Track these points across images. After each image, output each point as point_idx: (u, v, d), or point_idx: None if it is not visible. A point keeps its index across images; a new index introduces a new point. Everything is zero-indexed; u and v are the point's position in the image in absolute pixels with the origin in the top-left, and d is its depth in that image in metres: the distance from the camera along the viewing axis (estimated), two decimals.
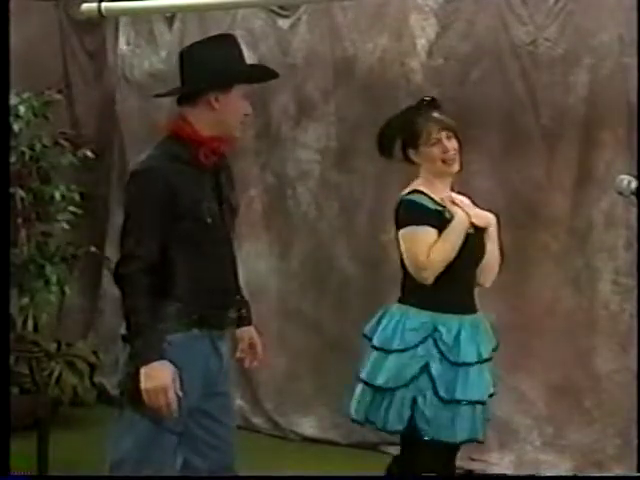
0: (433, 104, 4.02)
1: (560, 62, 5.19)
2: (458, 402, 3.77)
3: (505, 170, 5.35)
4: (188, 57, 3.50)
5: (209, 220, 3.41)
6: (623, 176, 3.72)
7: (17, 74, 4.71)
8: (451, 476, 4.12)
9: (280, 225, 6.04)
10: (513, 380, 5.30)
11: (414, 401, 3.78)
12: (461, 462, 5.15)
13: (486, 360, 3.87)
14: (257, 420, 6.03)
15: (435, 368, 3.78)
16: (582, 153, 5.19)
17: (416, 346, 3.81)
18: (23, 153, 5.72)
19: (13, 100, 5.54)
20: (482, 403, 3.83)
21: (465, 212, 3.87)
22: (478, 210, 3.97)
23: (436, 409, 3.76)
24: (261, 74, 3.81)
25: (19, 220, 5.76)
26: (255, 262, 6.06)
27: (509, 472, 5.29)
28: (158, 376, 3.27)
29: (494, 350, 3.95)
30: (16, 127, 5.62)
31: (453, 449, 3.90)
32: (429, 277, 3.83)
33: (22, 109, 5.70)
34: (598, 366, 5.19)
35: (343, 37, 5.73)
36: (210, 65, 3.44)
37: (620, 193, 3.72)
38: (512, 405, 5.33)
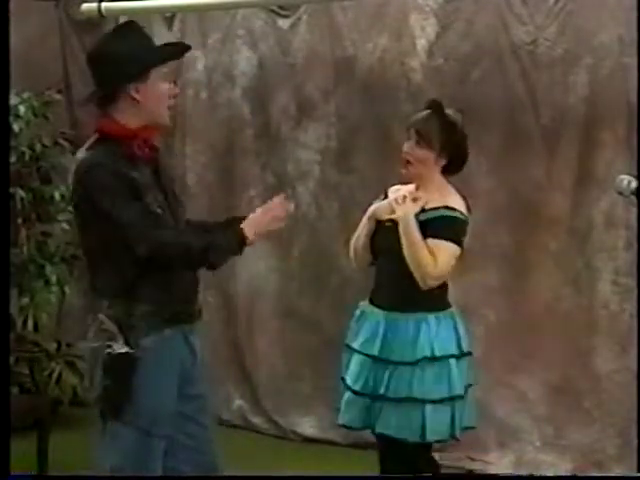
0: (431, 106, 4.04)
1: (560, 62, 5.19)
2: (346, 387, 3.96)
3: (505, 170, 5.35)
4: (96, 57, 3.41)
5: (159, 211, 3.35)
6: (623, 176, 3.72)
7: (17, 74, 4.70)
8: (451, 476, 4.14)
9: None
10: (513, 380, 5.30)
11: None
12: (461, 462, 5.19)
13: (376, 358, 3.90)
14: (257, 420, 6.03)
15: (345, 352, 4.04)
16: (582, 153, 5.19)
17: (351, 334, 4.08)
18: (23, 153, 5.72)
19: (13, 100, 5.54)
20: (356, 394, 3.91)
21: (376, 206, 4.04)
22: (389, 201, 4.01)
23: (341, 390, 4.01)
24: (173, 52, 3.64)
25: (19, 220, 5.75)
26: (255, 262, 6.05)
27: (509, 472, 5.29)
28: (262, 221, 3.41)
29: (413, 362, 3.86)
30: (16, 127, 5.62)
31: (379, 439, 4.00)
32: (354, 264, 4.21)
33: (22, 109, 5.70)
34: (598, 366, 5.19)
35: (343, 37, 5.73)
36: (121, 59, 3.34)
37: (620, 193, 3.72)
38: (512, 405, 5.33)
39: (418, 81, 5.50)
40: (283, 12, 5.89)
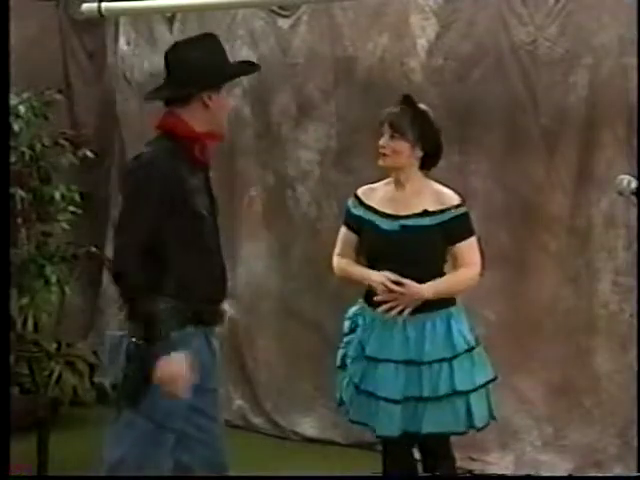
0: (402, 102, 4.12)
1: (560, 62, 5.19)
2: (367, 393, 3.96)
3: (505, 170, 5.35)
4: (177, 58, 3.55)
5: (205, 213, 3.49)
6: (623, 176, 3.73)
7: (17, 74, 4.71)
8: (451, 476, 4.15)
9: (280, 225, 6.04)
10: (513, 380, 5.30)
11: (341, 382, 4.11)
12: (461, 462, 5.17)
13: (412, 362, 3.92)
14: (257, 420, 6.03)
15: (350, 356, 4.04)
16: (582, 153, 5.18)
17: (347, 334, 4.12)
18: (23, 153, 5.70)
19: (13, 100, 5.53)
20: (393, 402, 3.90)
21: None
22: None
23: (352, 394, 4.02)
24: (244, 70, 3.94)
25: (19, 220, 5.75)
26: (255, 262, 6.06)
27: (509, 472, 5.29)
28: (175, 366, 3.37)
29: (452, 357, 3.95)
30: (16, 127, 5.60)
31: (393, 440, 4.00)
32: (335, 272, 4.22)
33: (22, 109, 5.68)
34: (598, 366, 5.19)
35: (343, 37, 5.73)
36: (202, 66, 3.51)
37: (620, 193, 3.73)
38: (512, 405, 5.33)
39: (418, 81, 5.49)
40: (283, 12, 5.89)
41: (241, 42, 5.99)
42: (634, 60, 4.98)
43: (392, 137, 4.01)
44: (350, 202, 4.18)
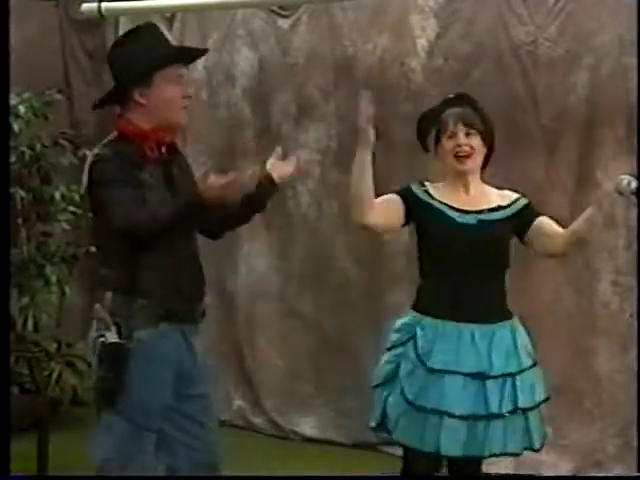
0: (461, 99, 3.92)
1: (560, 62, 5.19)
2: (426, 409, 3.61)
3: (505, 170, 5.34)
4: (108, 60, 3.49)
5: None
6: (623, 176, 3.73)
7: (17, 74, 4.70)
8: (452, 476, 4.12)
9: (280, 225, 6.03)
10: None
11: (386, 400, 3.71)
12: None
13: (480, 375, 3.64)
14: (257, 420, 6.03)
15: (405, 369, 3.67)
16: (582, 153, 5.19)
17: (396, 347, 3.73)
18: (23, 153, 5.71)
19: (13, 100, 5.53)
20: (459, 417, 3.60)
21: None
22: None
23: (404, 411, 3.65)
24: (176, 56, 3.54)
25: (19, 220, 5.75)
26: (255, 262, 6.06)
27: (509, 472, 5.29)
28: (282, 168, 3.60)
29: (517, 372, 3.74)
30: (16, 127, 5.61)
31: (432, 457, 3.70)
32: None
33: (22, 109, 5.69)
34: (598, 366, 5.19)
35: (343, 37, 5.74)
36: (124, 63, 3.39)
37: (620, 193, 3.73)
38: None
39: (418, 81, 5.50)
40: (283, 12, 5.90)
41: (241, 42, 5.99)
42: (634, 60, 4.99)
43: (468, 135, 3.74)
44: (414, 186, 3.80)
